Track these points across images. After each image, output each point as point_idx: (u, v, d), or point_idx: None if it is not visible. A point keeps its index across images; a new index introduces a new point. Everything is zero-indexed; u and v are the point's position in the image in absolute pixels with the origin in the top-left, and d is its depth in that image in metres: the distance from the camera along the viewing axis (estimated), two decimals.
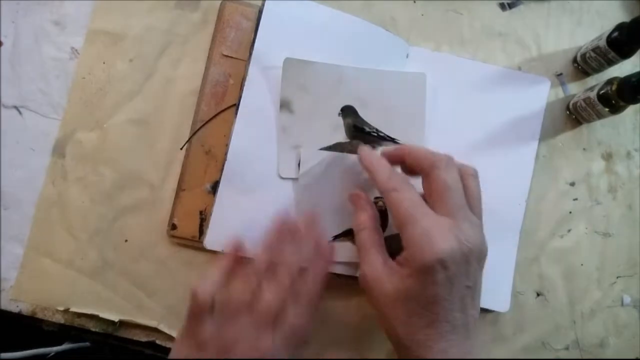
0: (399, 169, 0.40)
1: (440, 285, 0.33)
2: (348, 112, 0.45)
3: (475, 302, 0.35)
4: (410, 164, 0.39)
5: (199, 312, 0.36)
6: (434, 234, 0.33)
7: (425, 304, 0.33)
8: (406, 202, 0.35)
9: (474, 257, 0.34)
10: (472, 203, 0.37)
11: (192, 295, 0.36)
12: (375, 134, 0.45)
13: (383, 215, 0.42)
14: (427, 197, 0.36)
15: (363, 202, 0.40)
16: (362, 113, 0.45)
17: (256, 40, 0.44)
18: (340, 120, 0.45)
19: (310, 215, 0.42)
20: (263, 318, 0.36)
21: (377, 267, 0.36)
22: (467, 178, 0.38)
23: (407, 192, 0.36)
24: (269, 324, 0.36)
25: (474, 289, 0.35)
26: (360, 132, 0.44)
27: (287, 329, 0.36)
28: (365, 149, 0.40)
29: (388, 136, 0.45)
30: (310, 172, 0.44)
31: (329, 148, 0.44)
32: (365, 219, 0.39)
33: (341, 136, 0.45)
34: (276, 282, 0.37)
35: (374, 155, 0.39)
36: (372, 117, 0.45)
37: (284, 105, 0.44)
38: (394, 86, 0.45)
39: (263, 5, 0.45)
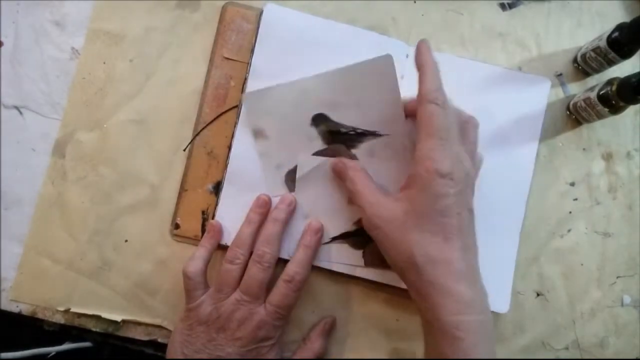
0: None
1: (449, 197, 0.34)
2: (319, 120, 0.44)
3: (475, 234, 0.36)
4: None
5: (193, 288, 0.41)
6: (446, 150, 0.35)
7: (436, 216, 0.34)
8: (440, 120, 0.35)
9: (470, 182, 0.36)
10: (469, 148, 0.39)
11: (184, 274, 0.41)
12: (353, 132, 0.44)
13: None
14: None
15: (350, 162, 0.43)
16: (335, 115, 0.44)
17: (253, 56, 0.45)
18: (314, 130, 0.44)
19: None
20: (253, 290, 0.40)
21: (381, 202, 0.37)
22: (469, 126, 0.40)
23: (446, 110, 0.36)
24: (260, 296, 0.41)
25: (473, 215, 0.36)
26: (336, 135, 0.44)
27: (274, 301, 0.41)
28: (424, 45, 0.39)
29: (367, 131, 0.44)
30: (306, 178, 0.44)
31: None
32: (355, 164, 0.41)
33: (319, 145, 0.45)
34: (258, 256, 0.41)
35: (431, 58, 0.38)
36: (347, 116, 0.44)
37: (257, 134, 0.45)
38: (361, 77, 0.44)
39: (261, 14, 0.45)
